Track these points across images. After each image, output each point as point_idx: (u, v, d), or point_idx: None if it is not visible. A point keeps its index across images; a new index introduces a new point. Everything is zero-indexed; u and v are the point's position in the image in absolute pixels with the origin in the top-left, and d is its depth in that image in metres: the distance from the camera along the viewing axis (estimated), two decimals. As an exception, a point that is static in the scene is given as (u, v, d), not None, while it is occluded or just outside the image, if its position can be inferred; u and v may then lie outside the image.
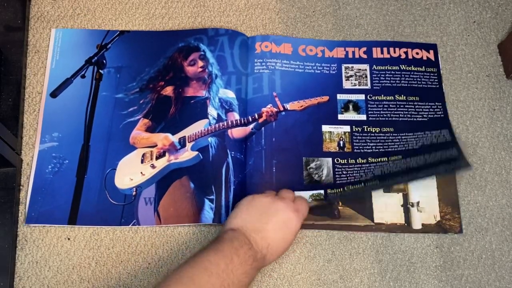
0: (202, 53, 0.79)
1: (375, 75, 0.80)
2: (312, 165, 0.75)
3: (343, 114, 0.78)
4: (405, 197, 0.74)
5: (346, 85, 0.80)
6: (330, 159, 0.75)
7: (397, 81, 0.80)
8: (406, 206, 0.73)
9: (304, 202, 0.68)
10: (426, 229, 0.72)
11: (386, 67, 0.81)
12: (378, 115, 0.78)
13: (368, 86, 0.79)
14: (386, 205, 0.73)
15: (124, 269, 0.68)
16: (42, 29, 0.80)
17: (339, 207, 0.73)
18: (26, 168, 0.72)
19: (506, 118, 0.80)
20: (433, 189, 0.74)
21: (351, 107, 0.78)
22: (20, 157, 0.72)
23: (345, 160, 0.75)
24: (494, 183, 0.76)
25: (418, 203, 0.73)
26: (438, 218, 0.73)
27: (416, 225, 0.72)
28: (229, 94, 0.77)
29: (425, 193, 0.74)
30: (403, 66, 0.81)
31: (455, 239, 0.73)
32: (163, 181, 0.72)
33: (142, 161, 0.73)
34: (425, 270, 0.71)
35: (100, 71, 0.78)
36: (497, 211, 0.74)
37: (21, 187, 0.70)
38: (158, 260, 0.69)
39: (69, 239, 0.69)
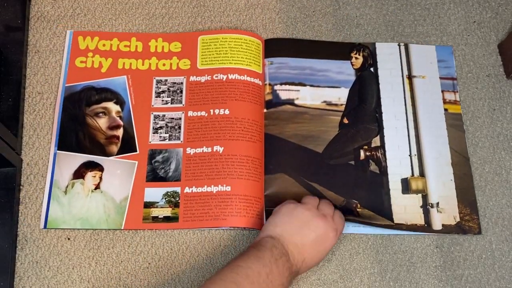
0: None
1: None
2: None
3: None
4: (425, 198, 0.74)
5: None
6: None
7: None
8: (426, 207, 0.73)
9: (342, 221, 0.67)
10: (447, 229, 0.72)
11: None
12: None
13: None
14: (405, 207, 0.73)
15: (124, 269, 0.68)
16: (42, 29, 0.80)
17: (358, 209, 0.73)
18: (26, 168, 0.72)
19: (506, 118, 0.80)
20: (452, 190, 0.74)
21: None
22: (20, 157, 0.72)
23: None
24: (494, 183, 0.76)
25: (437, 204, 0.73)
26: (458, 219, 0.73)
27: (437, 226, 0.72)
28: None
29: (444, 193, 0.74)
30: None
31: (455, 239, 0.73)
32: None
33: None
34: (425, 270, 0.71)
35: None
36: (497, 211, 0.74)
37: (21, 187, 0.70)
38: (158, 260, 0.69)
39: (69, 239, 0.69)
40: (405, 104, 0.79)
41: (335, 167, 0.75)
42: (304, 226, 0.63)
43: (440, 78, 0.81)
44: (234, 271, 0.56)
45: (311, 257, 0.62)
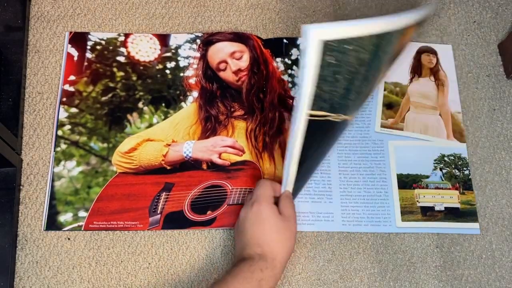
0: None
1: None
2: None
3: None
4: None
5: None
6: None
7: None
8: None
9: (287, 203, 0.64)
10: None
11: None
12: None
13: None
14: None
15: (124, 269, 0.68)
16: (42, 29, 0.80)
17: None
18: (26, 168, 0.72)
19: (506, 118, 0.80)
20: None
21: None
22: (20, 157, 0.72)
23: None
24: (494, 183, 0.76)
25: None
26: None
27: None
28: None
29: None
30: None
31: (455, 239, 0.73)
32: None
33: None
34: (425, 270, 0.71)
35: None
36: (497, 211, 0.74)
37: (21, 187, 0.70)
38: (158, 260, 0.69)
39: (69, 239, 0.69)
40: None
41: None
42: (241, 226, 0.62)
43: None
44: None
45: (262, 237, 0.60)
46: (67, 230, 0.69)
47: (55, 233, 0.69)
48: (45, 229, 0.69)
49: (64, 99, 0.76)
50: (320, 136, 0.60)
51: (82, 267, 0.68)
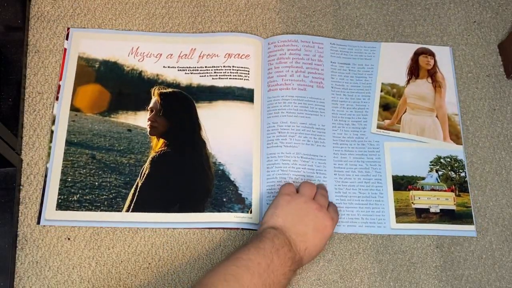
0: None
1: None
2: None
3: None
4: None
5: None
6: None
7: None
8: None
9: (336, 210, 0.69)
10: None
11: None
12: None
13: None
14: None
15: (124, 269, 0.68)
16: (42, 29, 0.80)
17: None
18: (26, 168, 0.72)
19: (506, 118, 0.80)
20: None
21: None
22: (20, 157, 0.72)
23: None
24: (494, 183, 0.76)
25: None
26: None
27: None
28: None
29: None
30: None
31: (455, 239, 0.73)
32: None
33: None
34: (425, 270, 0.71)
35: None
36: (497, 211, 0.74)
37: (21, 187, 0.70)
38: (158, 260, 0.69)
39: (69, 239, 0.69)
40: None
41: None
42: (304, 216, 0.64)
43: None
44: (234, 264, 0.56)
45: (313, 245, 0.63)
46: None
47: (55, 233, 0.69)
48: (36, 223, 0.69)
49: None
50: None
51: (82, 267, 0.68)
